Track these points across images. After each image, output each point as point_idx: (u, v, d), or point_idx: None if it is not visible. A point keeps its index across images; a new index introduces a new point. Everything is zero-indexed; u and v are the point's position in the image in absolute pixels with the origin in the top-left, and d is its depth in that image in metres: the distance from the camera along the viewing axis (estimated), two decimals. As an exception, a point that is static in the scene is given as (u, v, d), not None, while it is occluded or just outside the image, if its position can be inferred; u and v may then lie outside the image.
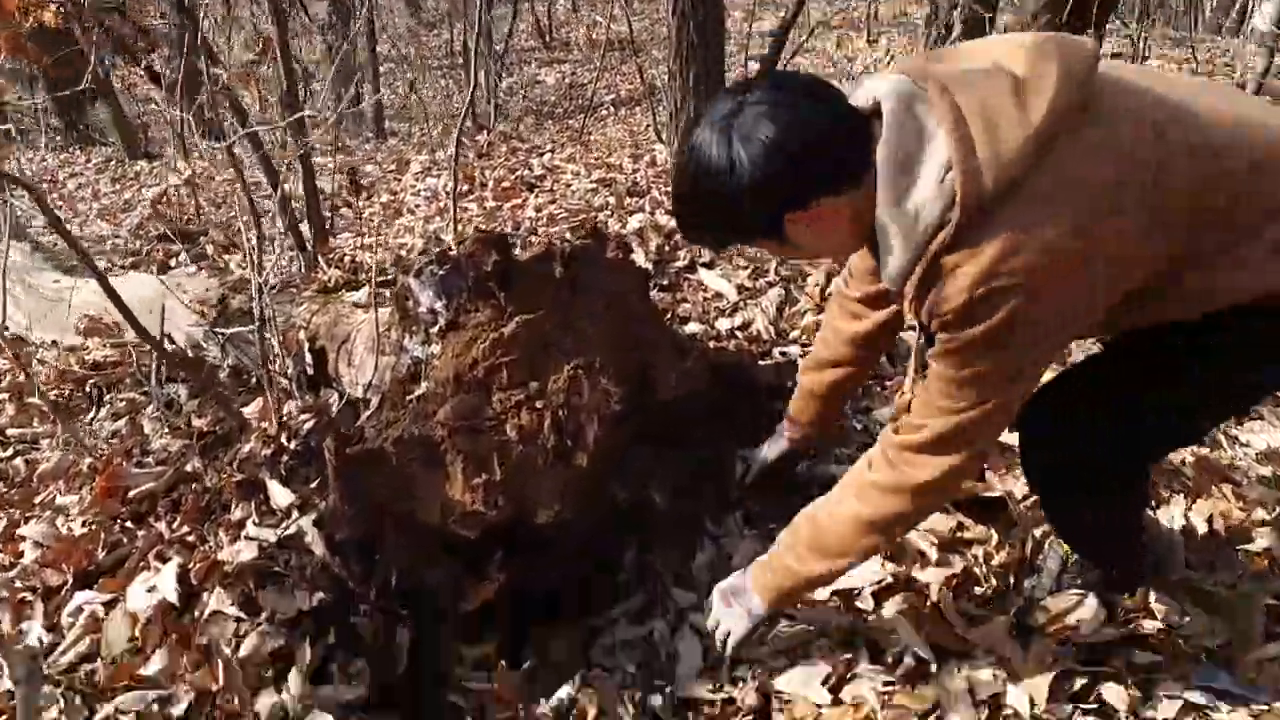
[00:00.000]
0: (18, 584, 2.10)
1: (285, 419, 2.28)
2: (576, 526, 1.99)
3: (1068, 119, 1.17)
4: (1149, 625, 1.73)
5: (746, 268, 3.26)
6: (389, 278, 3.17)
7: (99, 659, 1.87)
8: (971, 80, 1.21)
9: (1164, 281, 1.28)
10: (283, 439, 2.19)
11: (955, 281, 1.19)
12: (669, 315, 2.98)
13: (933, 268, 1.21)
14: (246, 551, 1.98)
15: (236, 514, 2.09)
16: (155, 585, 1.96)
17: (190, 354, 2.94)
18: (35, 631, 1.96)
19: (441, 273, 2.11)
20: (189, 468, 2.35)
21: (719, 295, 3.14)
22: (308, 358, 2.56)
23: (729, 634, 1.74)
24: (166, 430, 2.59)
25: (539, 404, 1.90)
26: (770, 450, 2.17)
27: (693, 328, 2.91)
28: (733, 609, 1.74)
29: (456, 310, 2.06)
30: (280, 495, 2.06)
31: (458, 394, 1.94)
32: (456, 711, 1.87)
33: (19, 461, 2.78)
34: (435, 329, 2.09)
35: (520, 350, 1.95)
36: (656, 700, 1.82)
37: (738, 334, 2.88)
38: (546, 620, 2.09)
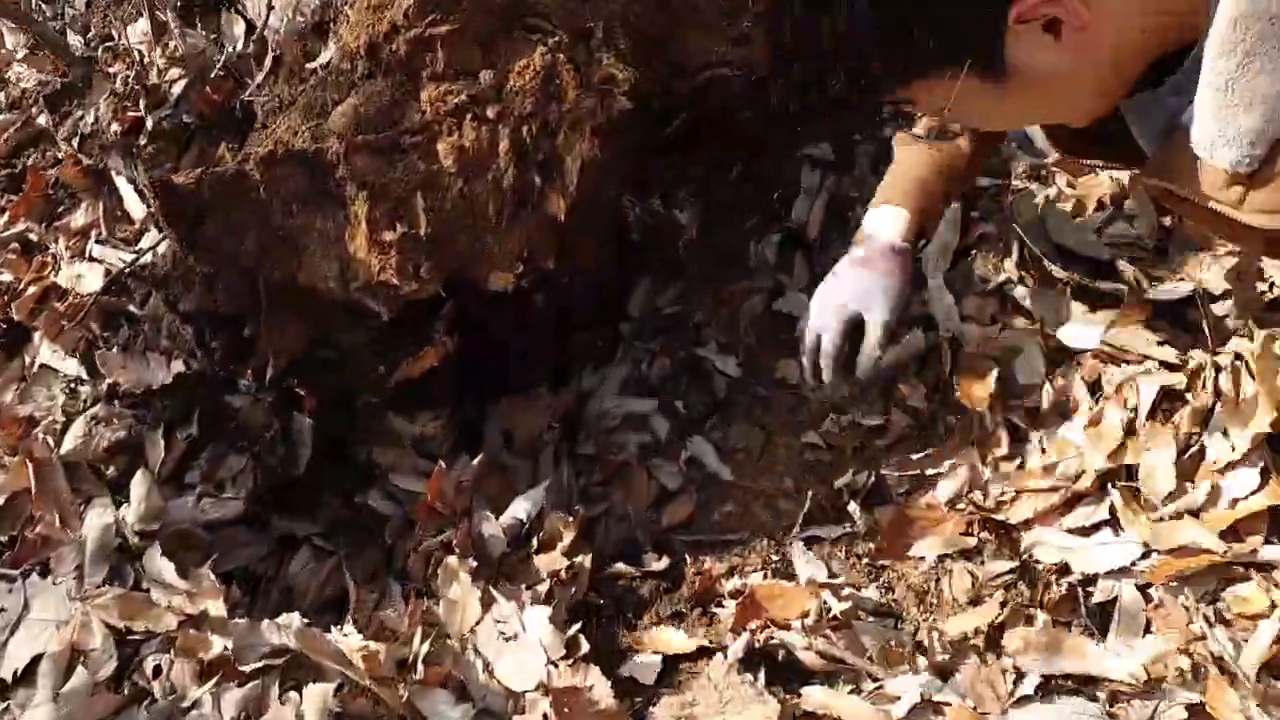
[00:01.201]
0: None
1: (156, 70, 1.57)
2: (556, 276, 1.38)
3: None
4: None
5: None
6: None
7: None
8: None
9: None
10: (141, 106, 1.50)
11: None
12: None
13: None
14: (91, 278, 1.41)
15: (81, 217, 1.48)
16: (-28, 314, 1.43)
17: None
18: None
19: None
20: (42, 121, 1.71)
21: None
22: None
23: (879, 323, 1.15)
24: (24, 54, 1.89)
25: (492, 111, 1.19)
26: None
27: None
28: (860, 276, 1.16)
29: (380, -75, 1.27)
30: (134, 202, 1.44)
31: (372, 80, 1.23)
32: (377, 520, 1.40)
33: None
34: (349, -46, 1.32)
35: (467, 14, 1.19)
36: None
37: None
38: (513, 388, 1.56)
